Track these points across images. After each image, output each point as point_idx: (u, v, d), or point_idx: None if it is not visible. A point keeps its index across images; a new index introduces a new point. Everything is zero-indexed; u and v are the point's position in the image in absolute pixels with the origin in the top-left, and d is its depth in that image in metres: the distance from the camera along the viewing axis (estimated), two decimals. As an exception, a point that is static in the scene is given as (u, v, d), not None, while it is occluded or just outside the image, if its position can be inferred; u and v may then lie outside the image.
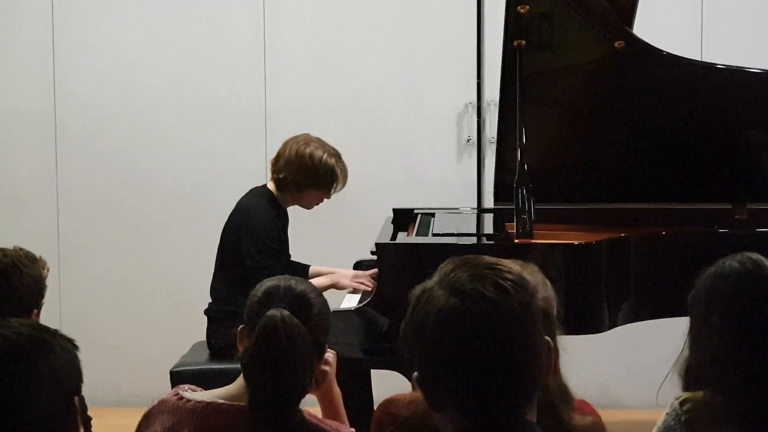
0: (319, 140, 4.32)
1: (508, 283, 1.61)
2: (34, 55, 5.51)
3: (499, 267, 1.65)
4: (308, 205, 4.38)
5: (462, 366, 1.59)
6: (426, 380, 1.63)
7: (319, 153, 4.25)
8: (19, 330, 1.64)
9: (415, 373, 1.65)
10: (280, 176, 4.27)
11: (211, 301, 4.36)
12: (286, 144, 4.33)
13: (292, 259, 4.53)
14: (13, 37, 5.52)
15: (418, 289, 1.67)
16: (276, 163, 4.31)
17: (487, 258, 1.69)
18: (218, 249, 4.36)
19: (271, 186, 4.33)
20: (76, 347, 1.68)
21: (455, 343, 1.59)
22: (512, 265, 1.68)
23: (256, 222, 4.22)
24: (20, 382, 1.58)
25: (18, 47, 5.52)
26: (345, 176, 4.31)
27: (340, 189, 4.34)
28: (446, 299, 1.60)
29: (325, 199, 4.37)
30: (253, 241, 4.19)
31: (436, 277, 1.66)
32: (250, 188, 4.40)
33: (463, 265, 1.65)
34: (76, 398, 1.66)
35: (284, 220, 4.38)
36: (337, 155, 4.30)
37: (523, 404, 1.63)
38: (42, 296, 2.96)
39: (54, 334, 1.67)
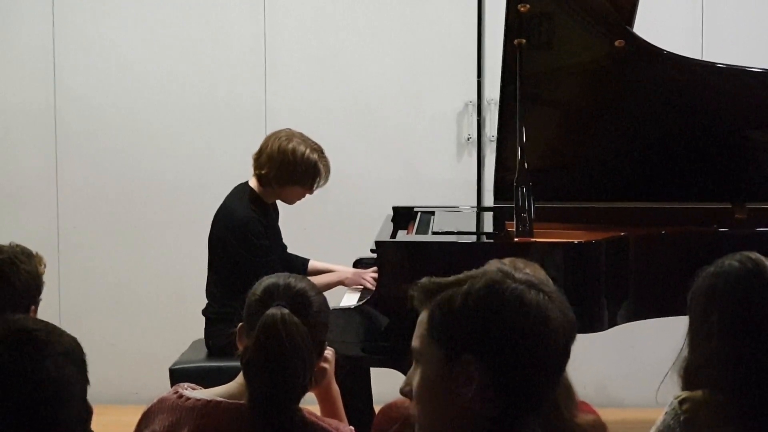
0: (301, 135, 4.26)
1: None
2: (34, 54, 5.51)
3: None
4: (290, 201, 4.34)
5: (537, 357, 1.61)
6: (491, 367, 1.62)
7: (301, 148, 4.20)
8: (64, 334, 1.65)
9: (469, 355, 1.63)
10: (262, 172, 4.22)
11: (208, 302, 4.35)
12: (267, 139, 4.28)
13: (289, 251, 4.52)
14: (14, 35, 5.52)
15: (458, 282, 1.66)
16: (258, 158, 4.25)
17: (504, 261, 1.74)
18: (208, 251, 4.34)
19: (253, 183, 4.29)
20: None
21: (541, 335, 1.61)
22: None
23: (240, 223, 4.18)
24: (72, 379, 1.59)
25: (18, 45, 5.52)
26: (328, 171, 4.26)
27: (323, 184, 4.29)
28: (536, 294, 1.63)
29: (307, 195, 4.32)
30: (241, 243, 4.16)
31: (492, 272, 1.67)
32: (234, 186, 4.38)
33: (517, 266, 1.70)
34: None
35: (270, 215, 4.35)
36: (319, 150, 4.25)
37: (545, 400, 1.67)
38: (39, 292, 2.95)
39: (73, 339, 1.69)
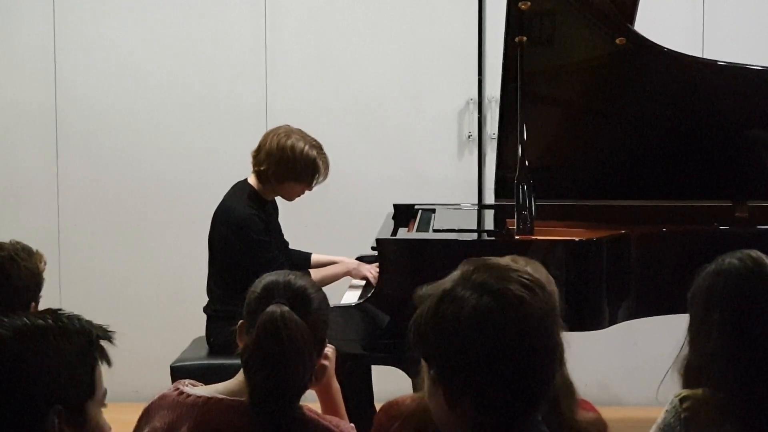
0: (300, 132, 4.26)
1: (532, 283, 1.66)
2: (35, 53, 5.51)
3: (518, 269, 1.69)
4: (290, 197, 4.34)
5: (491, 363, 1.61)
6: (448, 377, 1.65)
7: (300, 145, 4.19)
8: (30, 331, 1.63)
9: (432, 371, 1.65)
10: (261, 168, 4.21)
11: (208, 299, 4.35)
12: (266, 136, 4.28)
13: (291, 247, 4.51)
14: (15, 34, 5.52)
15: (433, 291, 1.68)
16: (257, 155, 4.25)
17: (499, 259, 1.73)
18: (208, 250, 4.33)
19: (252, 180, 4.28)
20: (94, 347, 1.68)
21: (488, 340, 1.61)
22: (528, 266, 1.71)
23: (240, 220, 4.17)
24: (18, 384, 1.57)
25: (19, 45, 5.52)
26: (327, 168, 4.26)
27: (322, 181, 4.29)
28: (478, 299, 1.62)
29: (306, 191, 4.31)
30: (241, 240, 4.15)
31: (455, 278, 1.68)
32: (233, 184, 4.38)
33: (482, 268, 1.68)
34: (58, 407, 1.64)
35: (270, 212, 4.34)
36: (318, 147, 4.24)
37: (540, 402, 1.66)
38: (39, 289, 2.96)
39: (75, 337, 1.66)
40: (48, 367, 1.63)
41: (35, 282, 2.94)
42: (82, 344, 1.67)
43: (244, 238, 4.16)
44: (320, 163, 4.22)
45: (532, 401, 1.65)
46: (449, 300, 1.65)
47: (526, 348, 1.62)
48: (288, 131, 4.25)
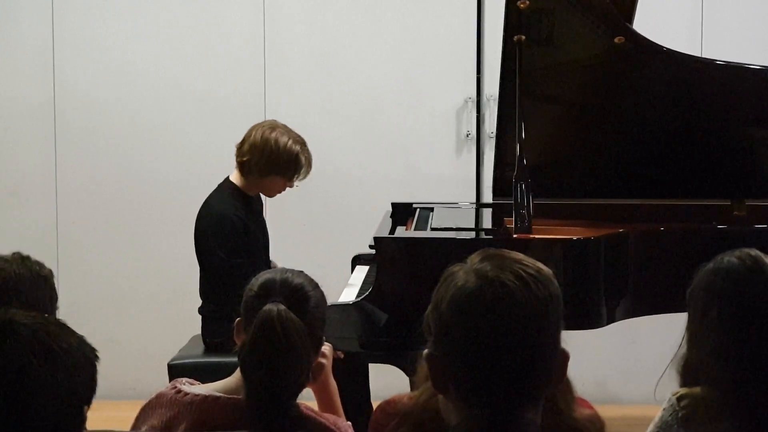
0: (285, 127, 4.27)
1: (531, 276, 1.63)
2: (33, 50, 5.51)
3: (526, 262, 1.67)
4: (270, 193, 4.34)
5: (468, 348, 1.60)
6: (433, 358, 1.64)
7: (284, 139, 4.20)
8: (46, 327, 1.63)
9: (426, 350, 1.65)
10: (244, 159, 4.22)
11: (202, 300, 4.34)
12: (251, 129, 4.29)
13: (271, 258, 4.47)
14: (13, 31, 5.52)
15: (444, 273, 1.69)
16: (240, 147, 4.25)
17: (516, 253, 1.71)
18: (195, 249, 4.33)
19: (234, 176, 4.28)
20: (96, 357, 1.69)
21: (465, 322, 1.60)
22: (542, 265, 1.70)
23: (217, 220, 4.17)
24: (38, 378, 1.57)
25: (18, 41, 5.52)
26: (309, 164, 4.26)
27: (304, 177, 4.29)
28: (466, 280, 1.62)
29: (288, 188, 4.30)
30: (216, 240, 4.15)
31: (465, 265, 1.68)
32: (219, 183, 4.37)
33: (491, 256, 1.67)
34: (86, 407, 1.66)
35: (253, 209, 4.33)
36: (302, 142, 4.25)
37: (523, 403, 1.63)
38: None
39: (81, 340, 1.68)
40: (87, 366, 1.65)
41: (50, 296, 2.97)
42: (93, 354, 1.69)
43: (220, 238, 4.15)
44: (302, 158, 4.23)
45: (511, 398, 1.62)
46: (447, 280, 1.66)
47: (505, 339, 1.59)
48: (272, 125, 4.27)
